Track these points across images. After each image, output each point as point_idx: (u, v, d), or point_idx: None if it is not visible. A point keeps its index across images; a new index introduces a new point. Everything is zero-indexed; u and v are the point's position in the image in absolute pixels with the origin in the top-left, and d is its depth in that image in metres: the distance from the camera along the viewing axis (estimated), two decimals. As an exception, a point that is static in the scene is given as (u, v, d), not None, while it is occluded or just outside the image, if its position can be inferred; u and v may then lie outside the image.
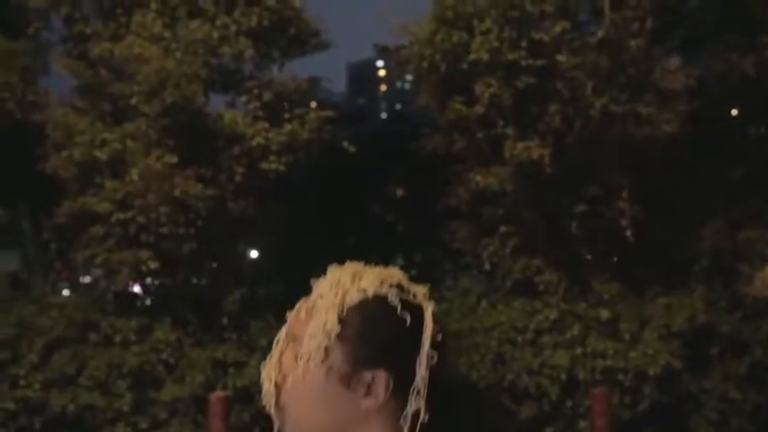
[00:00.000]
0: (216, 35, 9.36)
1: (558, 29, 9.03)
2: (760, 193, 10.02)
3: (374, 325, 0.97)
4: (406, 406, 0.95)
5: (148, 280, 9.91)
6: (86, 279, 11.89)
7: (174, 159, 8.92)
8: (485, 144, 9.35)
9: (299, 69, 11.91)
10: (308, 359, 0.96)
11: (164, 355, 8.84)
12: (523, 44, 8.79)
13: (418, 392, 0.95)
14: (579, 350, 8.70)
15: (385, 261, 1.10)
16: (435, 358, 0.96)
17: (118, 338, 8.93)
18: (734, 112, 11.11)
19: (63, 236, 9.87)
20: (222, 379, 8.75)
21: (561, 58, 9.09)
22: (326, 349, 0.96)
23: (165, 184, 8.81)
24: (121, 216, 8.85)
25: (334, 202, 11.22)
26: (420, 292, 1.00)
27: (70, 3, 9.82)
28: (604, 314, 8.88)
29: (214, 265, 9.67)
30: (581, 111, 9.30)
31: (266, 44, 9.91)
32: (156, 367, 8.83)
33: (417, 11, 9.59)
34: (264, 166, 9.46)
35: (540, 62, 8.87)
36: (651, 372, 8.48)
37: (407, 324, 0.97)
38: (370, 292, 0.98)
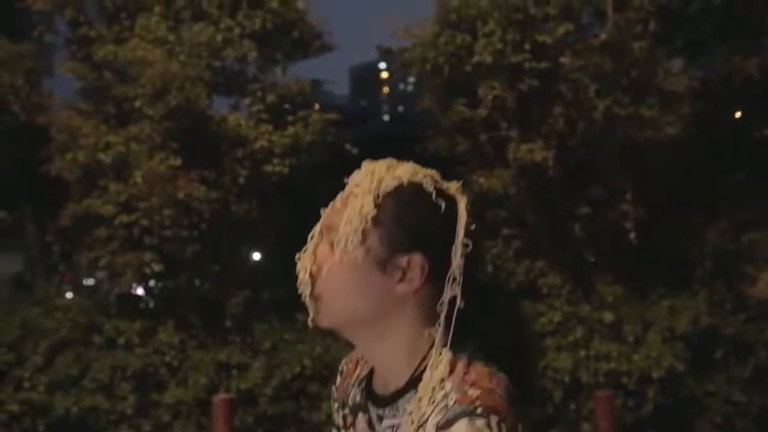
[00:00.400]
0: (219, 38, 9.38)
1: (561, 31, 9.03)
2: (763, 195, 10.01)
3: (409, 209, 0.97)
4: (441, 294, 0.95)
5: (152, 282, 9.92)
6: (89, 281, 11.91)
7: (178, 162, 8.94)
8: (488, 146, 9.36)
9: (301, 72, 11.93)
10: (346, 242, 0.96)
11: (167, 358, 8.86)
12: (527, 46, 8.79)
13: (455, 279, 0.95)
14: (583, 353, 8.69)
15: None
16: (470, 247, 0.96)
17: (121, 341, 8.94)
18: (737, 114, 11.09)
19: (67, 238, 9.89)
20: (226, 381, 8.76)
21: (564, 60, 9.09)
22: (363, 232, 0.96)
23: (168, 186, 8.83)
24: (125, 218, 8.87)
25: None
26: (453, 185, 1.01)
27: (74, 6, 9.85)
28: (608, 317, 8.87)
29: (218, 267, 9.68)
30: (584, 113, 9.29)
31: (270, 47, 9.93)
32: (159, 370, 8.84)
33: (420, 13, 9.60)
34: (268, 168, 9.47)
35: (543, 64, 8.87)
36: (655, 374, 8.46)
37: (442, 210, 0.97)
38: (405, 180, 0.99)
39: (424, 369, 0.95)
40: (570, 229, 9.67)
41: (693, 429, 8.75)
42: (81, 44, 9.92)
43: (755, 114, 10.76)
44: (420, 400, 0.93)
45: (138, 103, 9.07)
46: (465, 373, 0.94)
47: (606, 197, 9.85)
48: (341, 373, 1.15)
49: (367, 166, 1.01)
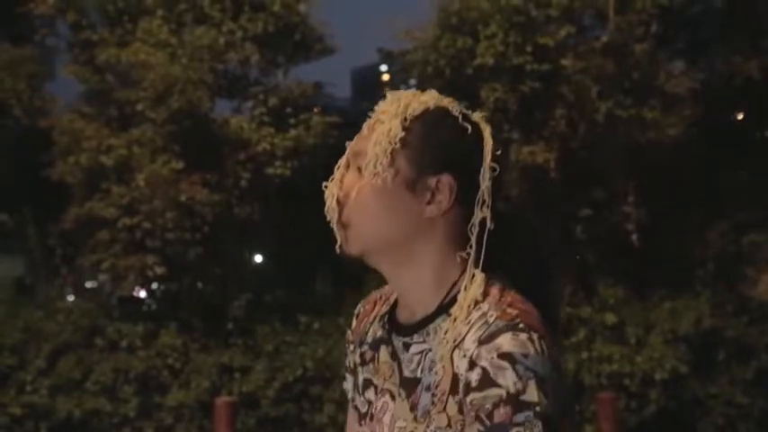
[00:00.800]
0: (222, 41, 9.41)
1: (562, 33, 9.03)
2: (765, 196, 10.00)
3: (437, 131, 0.97)
4: (468, 218, 0.96)
5: (154, 285, 9.93)
6: (91, 284, 11.92)
7: (180, 165, 8.95)
8: (490, 148, 9.35)
9: (303, 74, 11.95)
10: (374, 164, 0.96)
11: (169, 361, 8.86)
12: (528, 49, 8.80)
13: (484, 202, 0.96)
14: (585, 355, 8.69)
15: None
16: (497, 171, 0.97)
17: (124, 344, 8.95)
18: (739, 115, 11.09)
19: (69, 241, 9.91)
20: (228, 384, 8.76)
21: (566, 62, 9.10)
22: (392, 154, 0.96)
23: (171, 189, 8.84)
24: (128, 221, 8.88)
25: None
26: (477, 114, 1.02)
27: (76, 10, 9.88)
28: (610, 318, 8.87)
29: (220, 270, 9.69)
30: (586, 115, 9.30)
31: (272, 50, 9.95)
32: (161, 372, 8.84)
33: (421, 16, 9.62)
34: (270, 171, 9.49)
35: (544, 67, 8.88)
36: (657, 376, 8.46)
37: (468, 133, 0.98)
38: (432, 104, 0.99)
39: (455, 294, 0.95)
40: (572, 230, 9.67)
41: (696, 431, 8.74)
42: (83, 48, 9.95)
43: (757, 116, 10.76)
44: (455, 320, 0.92)
45: (140, 107, 9.09)
46: (501, 296, 0.94)
47: (608, 199, 9.85)
48: (357, 316, 1.13)
49: (392, 94, 1.01)
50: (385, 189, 0.96)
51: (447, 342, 0.92)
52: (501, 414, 0.86)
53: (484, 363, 0.88)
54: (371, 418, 1.01)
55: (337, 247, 1.01)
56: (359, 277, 9.15)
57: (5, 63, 10.13)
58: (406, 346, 0.98)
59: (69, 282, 11.72)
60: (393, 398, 0.98)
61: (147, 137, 9.10)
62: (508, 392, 0.86)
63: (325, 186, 1.01)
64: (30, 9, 10.06)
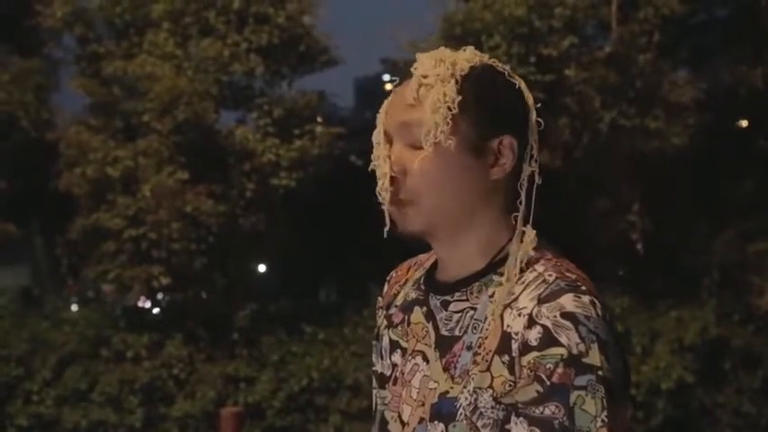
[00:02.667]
0: (227, 53, 9.47)
1: (565, 44, 9.07)
2: (770, 205, 9.98)
3: (492, 90, 0.93)
4: (517, 175, 0.93)
5: (160, 295, 9.95)
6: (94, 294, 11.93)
7: (186, 176, 9.00)
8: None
9: (306, 84, 12.00)
10: (436, 133, 0.89)
11: (175, 371, 8.87)
12: (532, 59, 8.84)
13: (532, 156, 0.93)
14: (591, 364, 8.65)
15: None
16: (542, 125, 0.94)
17: (129, 354, 8.96)
18: (743, 124, 11.09)
19: (75, 252, 9.95)
20: (233, 394, 8.76)
21: (569, 72, 9.13)
22: (453, 119, 0.90)
23: (176, 200, 8.88)
24: (133, 232, 8.91)
25: (343, 216, 11.26)
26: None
27: (83, 23, 9.96)
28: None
29: (225, 280, 9.71)
30: (590, 125, 9.31)
31: (276, 61, 10.00)
32: (167, 383, 8.85)
33: (425, 27, 9.67)
34: (275, 181, 9.52)
35: (548, 77, 8.91)
36: (664, 386, 8.42)
37: (517, 88, 0.95)
38: (477, 61, 0.94)
39: (505, 254, 0.92)
40: (577, 240, 9.67)
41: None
42: (90, 60, 10.02)
43: (761, 124, 10.76)
44: (507, 279, 0.89)
45: (146, 118, 9.15)
46: (556, 260, 0.91)
47: (613, 208, 9.84)
48: (388, 282, 1.09)
49: (425, 56, 0.95)
50: (450, 158, 0.90)
51: (498, 300, 0.89)
52: (561, 374, 0.82)
53: (545, 321, 0.85)
54: (396, 382, 0.97)
55: (386, 230, 0.96)
56: (363, 287, 9.15)
57: (13, 75, 10.21)
58: (445, 305, 0.94)
59: (74, 292, 11.76)
60: (426, 360, 0.94)
61: (153, 148, 9.15)
62: (570, 353, 0.83)
63: (376, 165, 0.95)
64: (37, 22, 10.15)
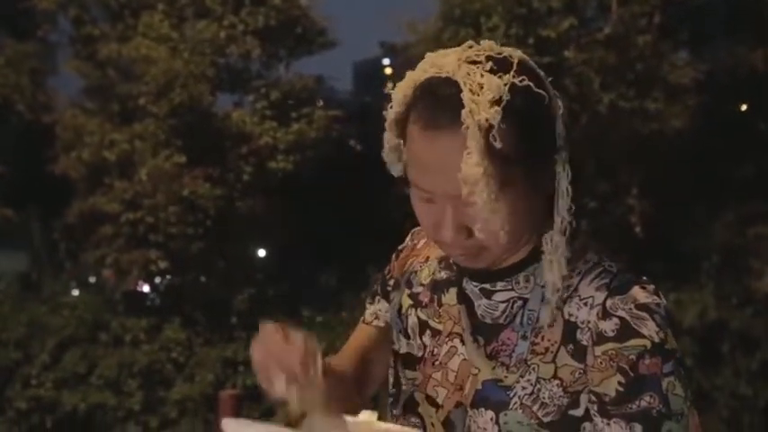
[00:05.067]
0: (223, 35, 9.39)
1: (565, 25, 8.99)
2: (770, 188, 9.96)
3: (527, 115, 0.85)
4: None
5: (158, 279, 9.95)
6: (94, 279, 11.94)
7: (183, 159, 8.96)
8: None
9: (305, 68, 11.93)
10: (488, 196, 0.82)
11: (174, 354, 8.89)
12: (530, 41, 8.77)
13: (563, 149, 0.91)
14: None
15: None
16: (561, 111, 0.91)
17: (128, 338, 8.98)
18: (743, 106, 11.04)
19: (73, 236, 9.93)
20: (232, 377, 8.78)
21: (569, 54, 9.06)
22: (508, 175, 0.83)
23: (173, 183, 8.84)
24: (131, 216, 8.89)
25: (342, 199, 11.23)
26: (517, 54, 0.90)
27: (78, 4, 9.87)
28: (614, 311, 8.85)
29: (223, 264, 9.70)
30: (589, 107, 9.26)
31: (273, 43, 9.93)
32: (166, 366, 8.87)
33: (424, 9, 9.59)
34: (272, 165, 9.48)
35: (547, 59, 8.84)
36: (661, 368, 8.44)
37: (546, 96, 0.89)
38: (507, 80, 0.84)
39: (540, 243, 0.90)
40: (576, 223, 9.65)
41: (701, 423, 8.73)
42: (85, 43, 9.94)
43: (761, 106, 10.71)
44: (553, 267, 0.88)
45: (142, 101, 9.09)
46: (599, 251, 0.92)
47: (612, 191, 9.82)
48: (402, 252, 1.07)
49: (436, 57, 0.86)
50: (512, 205, 0.85)
51: (558, 291, 0.88)
52: (649, 365, 0.84)
53: (621, 313, 0.85)
54: (428, 363, 0.96)
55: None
56: (362, 271, 9.14)
57: (8, 59, 10.13)
58: (487, 293, 0.92)
59: (74, 277, 11.76)
60: (463, 342, 0.93)
61: (150, 131, 9.11)
62: (653, 342, 0.84)
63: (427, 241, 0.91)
64: (32, 5, 10.05)
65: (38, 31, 10.83)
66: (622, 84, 9.25)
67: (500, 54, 0.87)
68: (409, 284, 1.02)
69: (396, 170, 0.93)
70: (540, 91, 0.88)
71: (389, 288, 1.06)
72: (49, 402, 8.69)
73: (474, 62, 0.85)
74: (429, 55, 0.90)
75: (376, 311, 1.07)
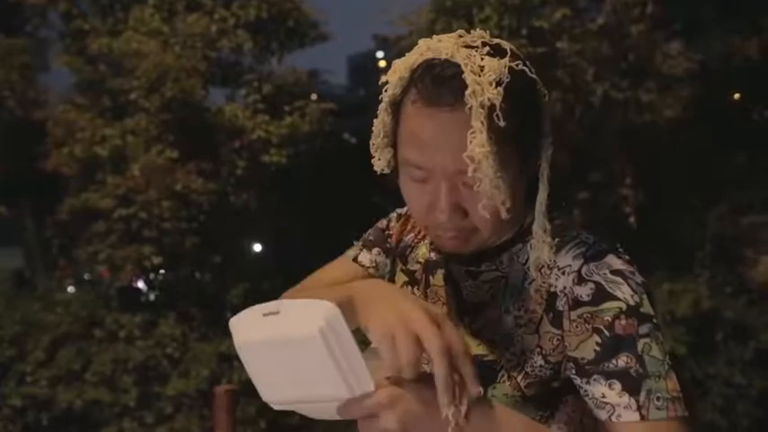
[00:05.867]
0: (214, 28, 9.34)
1: (557, 16, 8.97)
2: (764, 177, 9.98)
3: (521, 98, 0.86)
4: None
5: (152, 275, 9.92)
6: (88, 275, 11.90)
7: (175, 154, 8.92)
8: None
9: (299, 62, 11.89)
10: (493, 178, 0.83)
11: (169, 350, 8.87)
12: (523, 32, 8.74)
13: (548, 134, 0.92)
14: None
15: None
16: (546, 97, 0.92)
17: (123, 334, 8.95)
18: (737, 96, 11.04)
19: (66, 233, 9.88)
20: (227, 372, 8.77)
21: (562, 45, 9.04)
22: (503, 157, 0.84)
23: (166, 178, 8.81)
24: (123, 212, 8.85)
25: (336, 193, 11.22)
26: (505, 44, 0.91)
27: (68, -1, 9.80)
28: (609, 301, 8.87)
29: (217, 259, 9.67)
30: (582, 97, 9.25)
31: (265, 37, 9.88)
32: (161, 362, 8.85)
33: (417, 1, 9.55)
34: (265, 159, 9.45)
35: (540, 50, 8.82)
36: (656, 358, 8.47)
37: (538, 83, 0.90)
38: (500, 65, 0.85)
39: (529, 224, 0.92)
40: (569, 214, 9.66)
41: (695, 412, 8.77)
42: (75, 37, 9.88)
43: (755, 96, 10.71)
44: (542, 245, 0.90)
45: (133, 96, 9.03)
46: (580, 226, 0.94)
47: (605, 181, 9.82)
48: (402, 217, 1.07)
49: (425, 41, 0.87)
50: (506, 190, 0.85)
51: (540, 265, 0.90)
52: (624, 325, 0.85)
53: (596, 278, 0.87)
54: None
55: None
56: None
57: (-2, 54, 10.06)
58: (472, 274, 0.94)
59: (69, 274, 11.72)
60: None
61: (142, 126, 9.06)
62: (628, 305, 0.86)
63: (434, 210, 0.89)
64: (21, -1, 9.98)
65: (27, 25, 10.74)
66: (616, 74, 9.24)
67: (492, 41, 0.89)
68: (404, 260, 1.03)
69: (383, 158, 0.93)
70: (533, 76, 0.89)
71: (389, 246, 1.06)
72: (44, 400, 8.67)
73: (470, 47, 0.87)
74: (423, 40, 0.91)
75: (374, 260, 1.06)
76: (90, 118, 9.29)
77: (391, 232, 1.07)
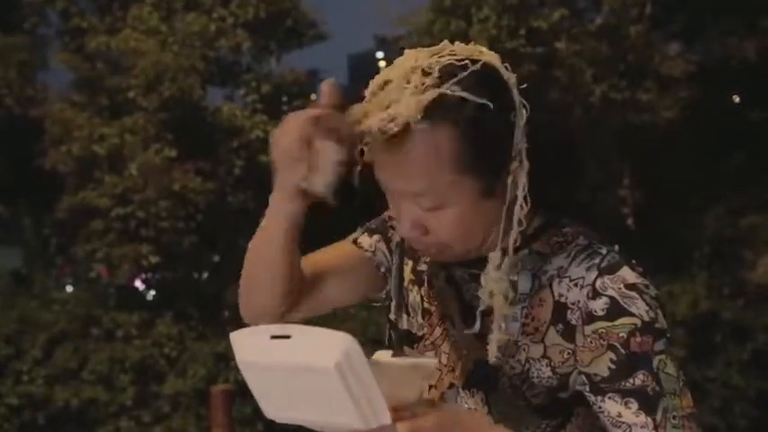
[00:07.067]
0: (213, 27, 9.32)
1: (556, 16, 8.97)
2: (762, 178, 9.98)
3: (491, 129, 0.85)
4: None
5: (149, 274, 9.90)
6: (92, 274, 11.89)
7: (173, 153, 8.90)
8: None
9: (300, 62, 11.89)
10: (444, 196, 0.84)
11: (166, 349, 8.85)
12: (522, 32, 8.74)
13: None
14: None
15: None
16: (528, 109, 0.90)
17: (120, 333, 8.94)
18: (735, 97, 11.05)
19: (64, 231, 9.87)
20: (224, 372, 8.76)
21: (560, 45, 9.04)
22: (458, 182, 0.85)
23: (164, 178, 8.79)
24: (121, 211, 8.84)
25: (337, 193, 11.22)
26: (491, 57, 0.89)
27: (66, -4, 9.77)
28: (606, 302, 8.86)
29: (215, 258, 9.66)
30: (581, 98, 9.25)
31: (263, 36, 9.86)
32: (158, 361, 8.84)
33: (416, 1, 9.55)
34: (263, 158, 9.43)
35: (539, 50, 8.82)
36: (654, 359, 8.47)
37: (504, 100, 0.87)
38: (446, 89, 0.83)
39: (535, 229, 0.92)
40: (570, 211, 9.65)
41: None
42: (73, 35, 9.85)
43: (753, 97, 10.72)
44: (493, 272, 0.89)
45: (131, 95, 9.02)
46: (588, 233, 0.93)
47: (604, 182, 9.82)
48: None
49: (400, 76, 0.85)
50: (468, 212, 0.86)
51: (546, 272, 0.89)
52: (640, 342, 0.85)
53: (611, 292, 0.86)
54: (426, 344, 0.96)
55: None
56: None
57: (-4, 52, 10.03)
58: (475, 277, 0.93)
59: (67, 272, 11.70)
60: (454, 325, 0.94)
61: (139, 125, 9.04)
62: (642, 321, 0.85)
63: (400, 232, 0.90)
64: (19, -4, 9.95)
65: (25, 23, 10.72)
66: (614, 75, 9.24)
67: (460, 61, 0.86)
68: (413, 257, 1.01)
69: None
70: (487, 102, 0.85)
71: (391, 237, 1.05)
72: (40, 398, 8.65)
73: (426, 73, 0.85)
74: (407, 52, 0.91)
75: (374, 245, 1.05)
76: (88, 116, 9.28)
77: (394, 224, 1.05)
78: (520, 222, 0.89)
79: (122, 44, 8.94)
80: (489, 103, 0.84)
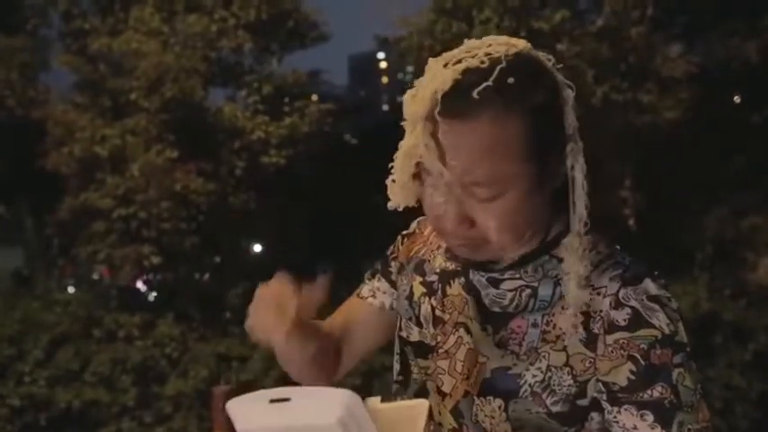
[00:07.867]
0: (214, 29, 9.34)
1: (557, 18, 8.98)
2: (763, 180, 9.98)
3: (553, 120, 0.87)
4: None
5: (151, 275, 9.91)
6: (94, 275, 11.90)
7: (175, 154, 8.91)
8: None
9: (301, 63, 11.90)
10: (504, 183, 0.84)
11: (167, 350, 8.86)
12: (523, 33, 8.74)
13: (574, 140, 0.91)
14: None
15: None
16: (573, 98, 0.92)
17: (122, 334, 8.95)
18: (736, 98, 11.05)
19: (65, 232, 9.88)
20: (226, 373, 8.77)
21: (561, 46, 9.04)
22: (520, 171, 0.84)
23: (165, 178, 8.81)
24: (123, 212, 8.85)
25: (336, 194, 11.20)
26: (523, 44, 0.91)
27: (68, -2, 9.80)
28: (608, 303, 8.87)
29: (217, 259, 9.67)
30: (582, 99, 9.23)
31: (265, 37, 9.88)
32: (159, 362, 8.85)
33: (417, 2, 9.56)
34: (265, 159, 9.45)
35: (539, 51, 8.83)
36: (655, 360, 8.47)
37: (554, 84, 0.90)
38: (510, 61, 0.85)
39: (555, 234, 0.91)
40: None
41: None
42: (75, 37, 9.87)
43: (755, 98, 10.71)
44: (573, 258, 0.88)
45: (133, 96, 9.03)
46: (613, 247, 0.93)
47: (605, 183, 9.82)
48: (408, 236, 1.06)
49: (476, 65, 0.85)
50: (520, 202, 0.86)
51: (570, 279, 0.88)
52: (660, 355, 0.84)
53: (634, 303, 0.86)
54: (440, 353, 0.96)
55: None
56: (357, 265, 9.13)
57: (-2, 53, 10.05)
58: (494, 282, 0.93)
59: (69, 273, 11.71)
60: (469, 332, 0.93)
61: (141, 126, 9.06)
62: (663, 333, 0.85)
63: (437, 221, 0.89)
64: (21, -1, 9.98)
65: (27, 25, 10.74)
66: (616, 76, 9.24)
67: (511, 51, 0.88)
68: (422, 272, 1.01)
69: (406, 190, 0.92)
70: (545, 88, 0.87)
71: (391, 270, 1.05)
72: (42, 399, 8.66)
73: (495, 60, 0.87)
74: (433, 60, 0.91)
75: (374, 288, 1.07)
76: (90, 117, 9.29)
77: (396, 255, 1.06)
78: (585, 205, 0.90)
79: (124, 45, 8.96)
80: (546, 89, 0.87)
